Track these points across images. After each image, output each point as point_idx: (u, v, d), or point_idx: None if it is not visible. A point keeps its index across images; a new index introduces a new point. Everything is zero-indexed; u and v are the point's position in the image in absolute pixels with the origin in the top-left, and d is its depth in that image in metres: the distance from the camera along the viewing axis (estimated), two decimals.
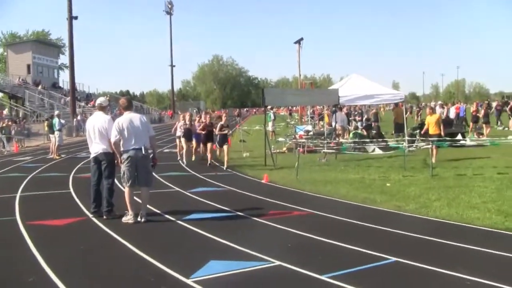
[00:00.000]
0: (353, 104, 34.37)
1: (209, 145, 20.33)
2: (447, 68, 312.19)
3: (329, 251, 8.07)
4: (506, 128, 35.87)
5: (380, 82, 26.43)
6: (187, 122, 22.02)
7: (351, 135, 26.03)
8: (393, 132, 27.72)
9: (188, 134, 21.75)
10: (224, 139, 19.74)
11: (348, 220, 10.18)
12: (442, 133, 18.19)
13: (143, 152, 10.07)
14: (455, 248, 8.13)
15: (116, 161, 10.44)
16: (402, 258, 7.44)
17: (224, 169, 18.81)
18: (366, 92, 23.61)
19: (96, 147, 10.56)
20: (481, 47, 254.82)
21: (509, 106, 42.15)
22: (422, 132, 19.38)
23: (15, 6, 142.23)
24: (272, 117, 38.11)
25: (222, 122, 19.90)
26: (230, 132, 20.53)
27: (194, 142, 22.17)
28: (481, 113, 31.89)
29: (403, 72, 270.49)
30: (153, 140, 10.55)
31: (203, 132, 20.36)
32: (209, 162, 20.08)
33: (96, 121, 10.59)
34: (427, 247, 8.24)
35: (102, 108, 10.94)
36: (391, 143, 22.09)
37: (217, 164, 20.44)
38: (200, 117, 24.21)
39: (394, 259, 7.44)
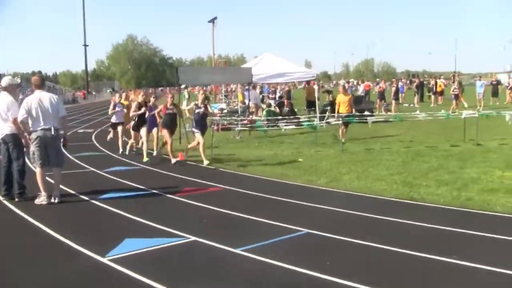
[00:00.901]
0: (266, 82, 34.74)
1: (167, 135, 14.97)
2: (357, 48, 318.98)
3: (244, 225, 8.28)
4: (412, 105, 37.25)
5: (293, 61, 26.95)
6: (140, 100, 16.24)
7: (264, 112, 26.35)
8: (305, 108, 28.33)
9: (143, 121, 15.93)
10: (204, 124, 15.03)
11: (261, 194, 10.43)
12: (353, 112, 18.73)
13: (53, 133, 9.87)
14: (364, 218, 8.53)
15: (25, 142, 10.18)
16: (313, 230, 7.73)
17: (205, 165, 14.16)
18: (279, 70, 24.00)
19: (2, 129, 10.25)
20: (390, 27, 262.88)
21: (414, 84, 43.83)
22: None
23: None
24: (187, 96, 37.94)
25: (197, 102, 15.00)
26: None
27: (145, 130, 16.10)
28: (392, 91, 33.02)
29: (316, 51, 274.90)
30: (64, 120, 10.34)
31: (158, 116, 15.39)
32: (173, 159, 14.79)
33: (0, 103, 10.25)
34: (338, 219, 8.59)
35: (4, 88, 10.52)
36: (303, 120, 22.53)
37: (179, 160, 14.92)
38: (155, 98, 17.60)
39: (306, 230, 7.72)
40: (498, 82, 38.98)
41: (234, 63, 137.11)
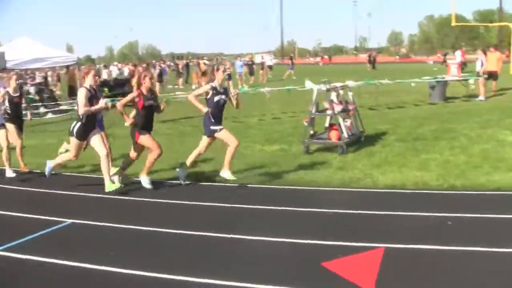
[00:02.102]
0: (23, 68, 32.77)
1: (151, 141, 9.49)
2: (121, 30, 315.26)
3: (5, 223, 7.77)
4: (176, 86, 37.85)
5: (53, 46, 25.77)
6: (88, 86, 9.30)
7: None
8: (68, 95, 27.28)
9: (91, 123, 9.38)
10: (220, 119, 9.54)
11: (20, 188, 9.93)
12: None
13: None
14: (136, 202, 8.63)
15: None
16: (77, 219, 7.51)
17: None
18: (36, 55, 22.76)
19: None
20: (153, 9, 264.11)
21: (180, 66, 44.60)
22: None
23: None
24: None
25: (214, 83, 9.39)
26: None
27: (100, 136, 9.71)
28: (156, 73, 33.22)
29: (79, 35, 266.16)
30: None
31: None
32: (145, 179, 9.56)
33: None
34: (104, 206, 8.51)
35: None
36: (66, 106, 21.72)
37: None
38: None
39: (70, 221, 7.45)
40: (253, 62, 41.35)
41: None
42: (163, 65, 42.59)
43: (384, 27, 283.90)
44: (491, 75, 22.73)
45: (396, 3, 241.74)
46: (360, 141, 12.50)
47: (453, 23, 46.85)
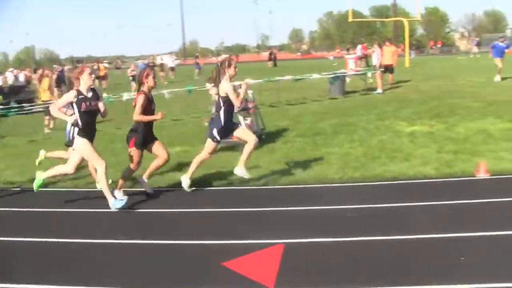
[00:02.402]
0: None
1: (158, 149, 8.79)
2: (16, 35, 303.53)
3: None
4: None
5: None
6: (85, 89, 7.96)
7: None
8: None
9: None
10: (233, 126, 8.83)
11: None
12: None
13: None
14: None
15: None
16: None
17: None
18: None
19: None
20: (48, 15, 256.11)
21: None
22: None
23: None
24: None
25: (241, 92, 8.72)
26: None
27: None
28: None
29: None
30: None
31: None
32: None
33: None
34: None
35: None
36: None
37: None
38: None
39: None
40: (154, 64, 41.12)
41: None
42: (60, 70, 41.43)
43: (285, 24, 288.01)
44: (387, 69, 23.56)
45: (296, 0, 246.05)
46: (261, 138, 12.53)
47: (350, 19, 48.46)
